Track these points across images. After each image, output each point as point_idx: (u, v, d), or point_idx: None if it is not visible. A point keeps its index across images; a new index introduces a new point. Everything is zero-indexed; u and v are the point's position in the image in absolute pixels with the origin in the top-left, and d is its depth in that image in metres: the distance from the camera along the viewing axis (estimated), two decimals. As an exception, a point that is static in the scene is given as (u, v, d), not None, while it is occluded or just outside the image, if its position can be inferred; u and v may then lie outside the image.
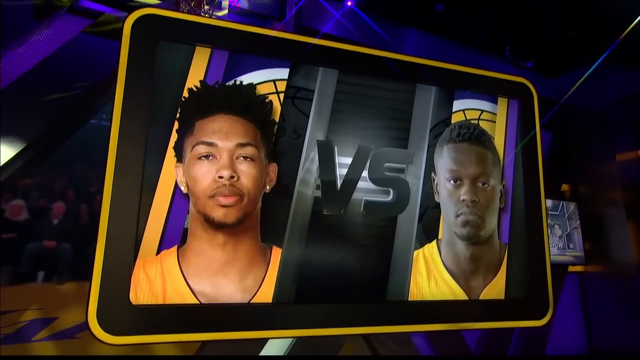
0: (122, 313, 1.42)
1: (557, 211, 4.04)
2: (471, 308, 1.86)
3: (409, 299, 1.77)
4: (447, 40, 4.33)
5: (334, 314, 1.67)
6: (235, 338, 1.54)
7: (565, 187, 4.32)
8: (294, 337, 1.72)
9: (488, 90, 2.08)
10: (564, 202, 4.14)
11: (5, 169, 2.60)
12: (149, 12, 1.60)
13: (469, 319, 1.84)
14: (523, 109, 2.11)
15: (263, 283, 1.61)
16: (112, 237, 1.44)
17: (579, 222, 4.12)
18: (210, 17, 2.58)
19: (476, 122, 2.03)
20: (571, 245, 4.06)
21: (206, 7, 2.64)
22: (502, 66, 4.45)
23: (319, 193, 1.72)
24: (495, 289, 1.91)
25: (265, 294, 1.60)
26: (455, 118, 2.00)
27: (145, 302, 1.47)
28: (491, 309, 1.89)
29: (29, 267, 2.64)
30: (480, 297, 1.88)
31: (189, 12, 2.55)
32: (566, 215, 4.10)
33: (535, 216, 2.02)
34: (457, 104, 2.01)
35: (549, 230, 3.96)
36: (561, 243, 4.01)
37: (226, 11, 2.97)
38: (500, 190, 2.00)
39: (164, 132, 1.57)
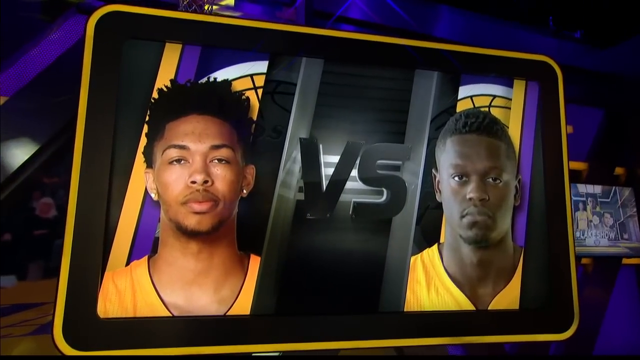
0: (89, 327, 1.38)
1: (608, 198, 3.64)
2: (478, 319, 1.67)
3: (405, 310, 1.61)
4: (483, 15, 4.00)
5: (319, 327, 1.54)
6: (211, 353, 1.46)
7: (619, 170, 3.89)
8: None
9: (501, 72, 1.84)
10: (617, 188, 3.72)
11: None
12: (114, 9, 1.51)
13: (476, 331, 1.66)
14: (545, 92, 1.85)
15: (240, 294, 1.51)
16: (79, 248, 1.40)
17: (635, 209, 3.69)
18: (211, 11, 2.47)
19: (486, 109, 1.80)
20: (625, 236, 3.66)
21: (206, -3, 2.54)
22: (544, 40, 4.04)
23: (301, 196, 1.59)
24: (507, 298, 1.70)
25: (243, 306, 1.50)
26: (462, 106, 1.78)
27: (114, 316, 1.41)
28: (502, 321, 1.69)
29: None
30: (490, 308, 1.68)
31: (188, 6, 2.46)
32: (619, 203, 3.69)
33: (558, 214, 1.78)
34: (464, 90, 1.79)
35: (598, 219, 3.60)
36: (613, 233, 3.61)
37: (232, 0, 2.85)
38: (516, 186, 1.76)
39: (132, 137, 1.50)
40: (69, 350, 1.35)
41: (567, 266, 1.76)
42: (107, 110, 1.47)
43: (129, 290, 1.44)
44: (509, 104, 1.83)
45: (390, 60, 1.73)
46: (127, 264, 1.45)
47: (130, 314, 1.43)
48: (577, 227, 3.50)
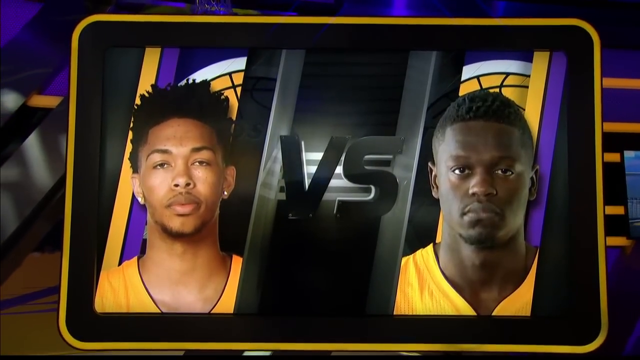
0: (88, 321, 1.52)
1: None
2: (479, 326, 1.53)
3: (395, 314, 1.53)
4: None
5: (302, 328, 1.53)
6: (197, 348, 1.53)
7: None
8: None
9: (519, 45, 1.58)
10: None
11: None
12: (96, 19, 1.56)
13: (477, 339, 1.52)
14: (574, 65, 1.56)
15: (223, 293, 1.55)
16: (76, 250, 1.53)
17: None
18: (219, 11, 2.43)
19: (497, 90, 1.57)
20: None
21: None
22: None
23: (283, 196, 1.55)
24: (516, 303, 1.53)
25: (227, 305, 1.54)
26: (466, 89, 1.57)
27: (110, 311, 1.54)
28: (509, 329, 1.53)
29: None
30: (494, 314, 1.53)
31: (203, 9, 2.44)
32: None
33: (586, 209, 1.53)
34: (469, 70, 1.57)
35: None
36: None
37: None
38: (532, 177, 1.54)
39: (119, 144, 1.57)
40: (72, 340, 1.51)
41: (594, 266, 1.52)
42: (93, 120, 1.55)
43: (122, 288, 1.56)
44: (526, 82, 1.57)
45: (382, 44, 1.58)
46: (120, 264, 1.55)
47: (124, 309, 1.55)
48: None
